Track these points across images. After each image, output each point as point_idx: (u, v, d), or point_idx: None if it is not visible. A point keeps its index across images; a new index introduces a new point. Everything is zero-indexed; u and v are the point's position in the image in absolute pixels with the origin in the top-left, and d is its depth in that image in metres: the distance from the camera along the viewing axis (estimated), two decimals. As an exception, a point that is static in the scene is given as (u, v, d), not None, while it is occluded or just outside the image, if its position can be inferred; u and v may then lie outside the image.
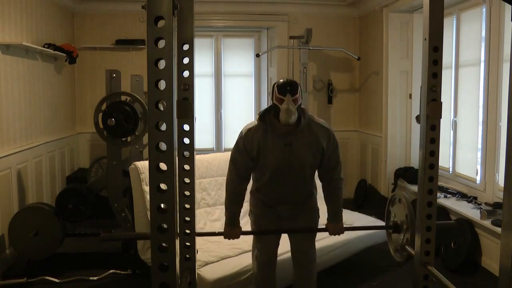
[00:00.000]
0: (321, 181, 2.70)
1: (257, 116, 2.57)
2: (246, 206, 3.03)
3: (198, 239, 2.34)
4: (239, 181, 2.61)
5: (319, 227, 2.81)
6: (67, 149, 5.35)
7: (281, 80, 2.47)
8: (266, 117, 2.53)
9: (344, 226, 3.93)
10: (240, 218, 3.84)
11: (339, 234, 2.73)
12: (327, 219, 2.72)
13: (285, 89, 2.41)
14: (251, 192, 2.77)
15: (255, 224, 2.79)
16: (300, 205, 2.70)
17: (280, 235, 2.80)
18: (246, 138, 2.53)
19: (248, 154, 2.54)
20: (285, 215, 2.72)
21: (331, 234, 2.70)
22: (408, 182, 5.07)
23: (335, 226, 2.70)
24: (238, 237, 2.68)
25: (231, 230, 2.67)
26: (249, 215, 2.85)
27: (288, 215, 2.72)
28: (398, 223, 2.46)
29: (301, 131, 2.51)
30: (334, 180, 2.65)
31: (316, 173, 2.71)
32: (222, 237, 3.49)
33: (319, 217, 2.81)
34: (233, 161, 2.61)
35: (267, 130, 2.51)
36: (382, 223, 4.05)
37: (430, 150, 2.00)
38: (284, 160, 2.51)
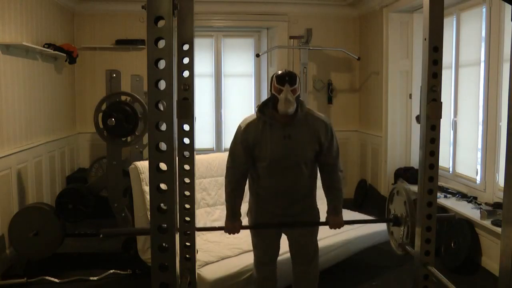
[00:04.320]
0: (321, 174, 2.68)
1: (256, 109, 2.59)
2: (246, 207, 3.01)
3: (198, 239, 2.34)
4: (238, 174, 2.60)
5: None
6: (67, 149, 5.35)
7: (280, 71, 2.49)
8: (265, 109, 2.55)
9: (344, 220, 3.96)
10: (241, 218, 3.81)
11: (339, 228, 2.70)
12: (327, 212, 2.70)
13: (284, 80, 2.43)
14: (250, 192, 2.75)
15: (254, 224, 2.77)
16: (300, 204, 2.66)
17: (280, 237, 2.77)
18: (245, 131, 2.54)
19: (247, 147, 2.54)
20: (285, 214, 2.67)
21: (331, 227, 2.67)
22: (408, 182, 5.06)
23: (335, 219, 2.67)
24: (238, 231, 2.65)
25: (231, 223, 2.64)
26: (247, 215, 2.80)
27: (287, 213, 2.66)
28: (398, 216, 2.46)
29: (299, 123, 2.52)
30: (333, 172, 2.64)
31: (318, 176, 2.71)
32: (222, 237, 3.52)
33: (319, 219, 2.78)
34: (232, 154, 2.61)
35: (265, 122, 2.52)
36: (382, 223, 4.08)
37: (430, 150, 2.01)
38: (283, 152, 2.51)
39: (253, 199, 2.73)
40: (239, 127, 2.58)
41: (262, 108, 2.56)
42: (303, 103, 2.57)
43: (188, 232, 2.09)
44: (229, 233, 2.67)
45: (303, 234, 2.73)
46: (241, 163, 2.58)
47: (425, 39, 1.96)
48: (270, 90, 2.52)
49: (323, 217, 2.76)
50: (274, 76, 2.49)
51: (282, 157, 2.51)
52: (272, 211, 2.66)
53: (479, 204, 4.05)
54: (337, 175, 2.65)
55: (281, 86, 2.43)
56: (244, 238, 3.08)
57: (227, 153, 2.68)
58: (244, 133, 2.54)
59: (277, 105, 2.45)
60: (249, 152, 2.55)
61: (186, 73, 1.98)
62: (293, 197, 2.63)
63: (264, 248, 2.77)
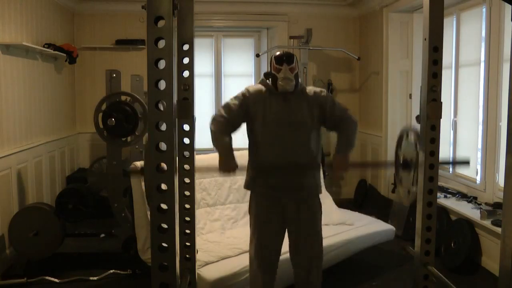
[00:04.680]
0: (333, 130, 2.67)
1: (260, 80, 2.70)
2: (246, 207, 3.00)
3: (198, 239, 2.34)
4: (228, 124, 2.59)
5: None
6: (67, 149, 5.35)
7: (278, 52, 2.61)
8: (267, 81, 2.65)
9: (345, 225, 3.93)
10: (240, 219, 3.83)
11: (343, 170, 2.63)
12: (335, 151, 2.64)
13: (282, 59, 2.56)
14: (250, 167, 2.68)
15: (256, 216, 2.68)
16: (302, 179, 2.60)
17: (284, 233, 2.71)
18: (248, 90, 2.63)
19: (246, 105, 2.58)
20: (285, 187, 2.61)
21: (335, 169, 2.59)
22: (408, 182, 5.06)
23: (342, 159, 2.60)
24: (234, 170, 2.58)
25: (226, 161, 2.58)
26: (249, 212, 2.76)
27: (288, 186, 2.61)
28: (407, 159, 2.31)
29: (298, 93, 2.60)
30: (346, 119, 2.63)
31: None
32: (222, 237, 3.52)
33: (321, 212, 2.74)
34: (226, 106, 2.63)
35: (268, 90, 2.61)
36: (383, 223, 4.08)
37: (430, 150, 2.01)
38: (283, 114, 2.54)
39: (253, 174, 2.68)
40: (244, 89, 2.67)
41: (265, 79, 2.66)
42: (301, 82, 2.68)
43: (188, 232, 2.09)
44: (225, 172, 2.58)
45: (305, 233, 2.67)
46: (234, 116, 2.59)
47: (425, 39, 1.96)
48: (270, 70, 2.63)
49: (324, 217, 2.75)
50: (273, 57, 2.62)
51: (282, 118, 2.54)
52: (273, 185, 2.60)
53: (479, 204, 4.05)
54: (351, 120, 2.63)
55: (279, 65, 2.55)
56: (244, 238, 3.08)
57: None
58: (247, 92, 2.62)
59: (276, 83, 2.56)
60: (244, 112, 2.58)
61: (186, 73, 1.98)
62: (297, 170, 2.58)
63: (265, 244, 2.68)
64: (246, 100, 2.60)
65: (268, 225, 2.67)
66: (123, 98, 3.79)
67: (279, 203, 2.63)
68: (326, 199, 4.16)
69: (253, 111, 2.57)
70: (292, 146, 2.55)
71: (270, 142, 2.56)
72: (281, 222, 2.68)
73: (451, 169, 4.73)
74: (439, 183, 4.35)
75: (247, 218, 3.09)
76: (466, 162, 2.33)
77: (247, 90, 2.64)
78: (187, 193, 2.09)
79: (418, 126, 2.11)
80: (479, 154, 4.22)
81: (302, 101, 2.58)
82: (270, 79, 2.62)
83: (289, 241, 2.74)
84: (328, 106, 2.60)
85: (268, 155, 2.58)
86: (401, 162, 2.35)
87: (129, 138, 3.83)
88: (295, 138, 2.55)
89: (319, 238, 2.73)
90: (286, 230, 2.72)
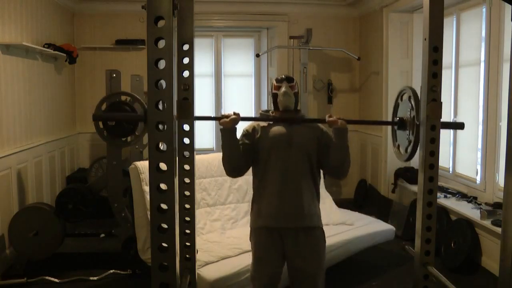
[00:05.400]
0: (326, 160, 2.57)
1: (259, 114, 2.72)
2: (246, 206, 3.00)
3: (198, 239, 2.33)
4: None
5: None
6: (67, 149, 5.35)
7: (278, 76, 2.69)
8: (268, 112, 2.68)
9: (345, 225, 3.93)
10: (240, 219, 3.81)
11: (343, 125, 2.51)
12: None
13: (282, 78, 2.61)
14: (253, 198, 2.62)
15: (255, 245, 2.58)
16: (304, 209, 2.49)
17: (283, 264, 2.56)
18: (251, 125, 2.62)
19: (249, 136, 2.55)
20: (287, 217, 2.51)
21: (329, 121, 2.49)
22: (408, 182, 5.07)
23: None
24: (237, 121, 2.44)
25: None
26: (250, 239, 2.64)
27: (290, 215, 2.51)
28: (403, 118, 2.27)
29: (299, 118, 2.61)
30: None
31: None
32: (222, 237, 3.52)
33: (324, 242, 2.61)
34: None
35: (268, 119, 2.62)
36: (383, 223, 4.09)
37: (430, 150, 2.00)
38: (285, 138, 2.51)
39: (255, 203, 2.60)
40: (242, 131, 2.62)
41: (264, 112, 2.70)
42: (303, 113, 2.71)
43: (188, 232, 2.09)
44: (226, 121, 2.44)
45: (305, 260, 2.50)
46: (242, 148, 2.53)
47: (425, 39, 1.96)
48: (271, 91, 2.62)
49: (324, 217, 2.74)
50: (274, 79, 2.65)
51: (284, 144, 2.50)
52: (275, 216, 2.50)
53: (479, 204, 4.05)
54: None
55: (279, 83, 2.58)
56: (244, 238, 3.08)
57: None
58: (250, 126, 2.60)
59: (277, 103, 2.56)
60: (251, 142, 2.53)
61: (186, 73, 1.98)
62: (296, 198, 2.50)
63: (265, 270, 2.55)
64: (249, 129, 2.57)
65: (266, 261, 2.55)
66: (123, 98, 3.79)
67: (280, 235, 2.52)
68: (326, 199, 4.16)
69: (254, 137, 2.54)
70: (292, 175, 2.49)
71: (271, 168, 2.50)
72: (281, 257, 2.54)
73: (451, 169, 4.73)
74: (439, 183, 4.35)
75: (247, 218, 3.09)
76: (460, 126, 2.30)
77: (245, 129, 2.60)
78: (187, 193, 2.08)
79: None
80: (479, 154, 4.22)
81: (302, 129, 2.56)
82: (271, 107, 2.63)
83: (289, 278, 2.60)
84: (323, 143, 2.55)
85: (268, 184, 2.51)
86: (397, 120, 2.32)
87: (129, 138, 3.83)
88: (295, 167, 2.50)
89: (321, 277, 2.56)
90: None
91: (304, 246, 2.49)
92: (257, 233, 2.56)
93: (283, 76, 2.63)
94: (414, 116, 2.15)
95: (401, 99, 2.38)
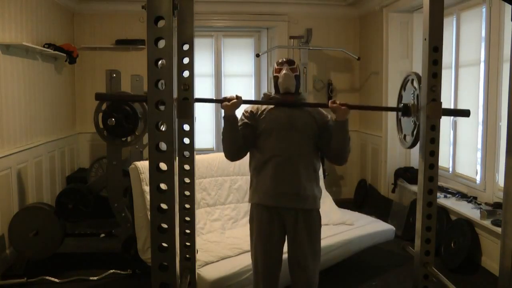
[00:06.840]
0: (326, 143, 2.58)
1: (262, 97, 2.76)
2: (246, 206, 3.00)
3: (198, 239, 2.33)
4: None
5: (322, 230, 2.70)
6: (67, 149, 5.35)
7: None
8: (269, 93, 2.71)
9: (345, 225, 3.93)
10: (240, 219, 3.79)
11: (343, 116, 2.47)
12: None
13: (283, 61, 2.64)
14: (251, 175, 2.63)
15: (256, 221, 2.60)
16: (302, 186, 2.51)
17: (283, 242, 2.62)
18: (252, 106, 2.65)
19: (251, 116, 2.58)
20: (285, 193, 2.52)
21: (332, 106, 2.45)
22: (408, 182, 5.07)
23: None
24: (238, 105, 2.48)
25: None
26: (250, 222, 2.67)
27: (287, 192, 2.52)
28: (408, 105, 2.26)
29: (299, 100, 2.62)
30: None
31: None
32: (222, 237, 3.52)
33: (320, 225, 2.65)
34: None
35: (270, 99, 2.65)
36: (383, 223, 4.09)
37: (430, 150, 2.00)
38: (286, 119, 2.53)
39: (254, 181, 2.61)
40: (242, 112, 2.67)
41: (266, 94, 2.71)
42: (303, 94, 2.71)
43: (188, 232, 2.09)
44: (228, 104, 2.46)
45: (303, 253, 2.56)
46: (242, 130, 2.56)
47: (425, 39, 1.96)
48: (272, 75, 2.66)
49: (324, 217, 2.74)
50: (275, 63, 2.68)
51: (285, 125, 2.52)
52: (273, 193, 2.52)
53: (479, 204, 4.05)
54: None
55: (280, 66, 2.62)
56: (244, 238, 3.08)
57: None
58: (249, 108, 2.63)
59: (278, 85, 2.60)
60: (251, 123, 2.56)
61: (186, 73, 1.98)
62: (294, 179, 2.51)
63: (266, 250, 2.59)
64: (249, 114, 2.60)
65: (267, 237, 2.58)
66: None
67: (279, 213, 2.55)
68: (326, 199, 4.16)
69: (256, 117, 2.58)
70: (294, 148, 2.51)
71: (270, 148, 2.52)
72: (282, 232, 2.59)
73: (451, 169, 4.73)
74: (439, 183, 4.35)
75: (247, 218, 3.08)
76: (466, 113, 2.26)
77: (245, 110, 2.65)
78: (187, 193, 2.09)
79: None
80: (479, 154, 4.22)
81: (303, 113, 2.57)
82: (272, 89, 2.64)
83: (288, 256, 2.64)
84: (324, 126, 2.56)
85: (268, 161, 2.52)
86: (401, 106, 2.32)
87: (129, 138, 3.84)
88: (297, 142, 2.52)
89: (317, 258, 2.62)
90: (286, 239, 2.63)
91: (302, 229, 2.55)
92: (258, 210, 2.60)
93: (284, 59, 2.65)
94: (418, 95, 2.14)
95: (404, 90, 2.39)
